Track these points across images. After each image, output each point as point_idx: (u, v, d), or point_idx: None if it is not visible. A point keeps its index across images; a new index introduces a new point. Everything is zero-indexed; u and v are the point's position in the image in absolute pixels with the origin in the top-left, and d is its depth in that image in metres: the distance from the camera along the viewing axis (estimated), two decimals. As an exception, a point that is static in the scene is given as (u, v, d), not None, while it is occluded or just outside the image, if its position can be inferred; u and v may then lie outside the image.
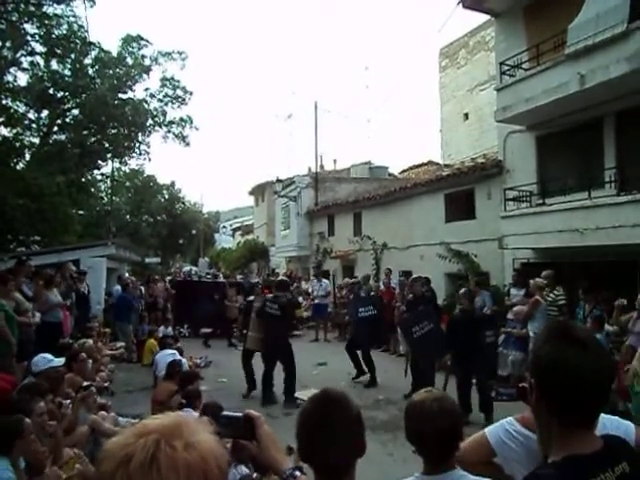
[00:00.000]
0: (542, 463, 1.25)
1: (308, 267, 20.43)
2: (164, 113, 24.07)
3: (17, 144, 14.03)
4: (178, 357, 7.81)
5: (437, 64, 20.90)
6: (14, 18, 16.00)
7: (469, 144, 18.09)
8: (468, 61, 18.98)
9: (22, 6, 15.12)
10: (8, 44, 18.87)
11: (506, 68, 10.25)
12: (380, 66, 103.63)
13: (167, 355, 7.88)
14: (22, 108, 19.06)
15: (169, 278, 17.91)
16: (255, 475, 3.74)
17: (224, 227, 49.68)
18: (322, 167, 24.15)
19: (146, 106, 23.25)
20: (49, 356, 5.23)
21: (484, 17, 13.80)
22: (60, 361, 5.34)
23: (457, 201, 12.65)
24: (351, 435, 1.43)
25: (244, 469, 3.76)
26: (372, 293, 10.87)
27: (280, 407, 7.29)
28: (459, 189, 12.53)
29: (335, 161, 26.80)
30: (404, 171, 24.43)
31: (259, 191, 30.96)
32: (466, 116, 18.99)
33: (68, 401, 4.90)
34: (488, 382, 7.01)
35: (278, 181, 21.33)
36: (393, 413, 7.09)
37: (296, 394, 7.72)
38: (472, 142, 17.98)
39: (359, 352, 9.06)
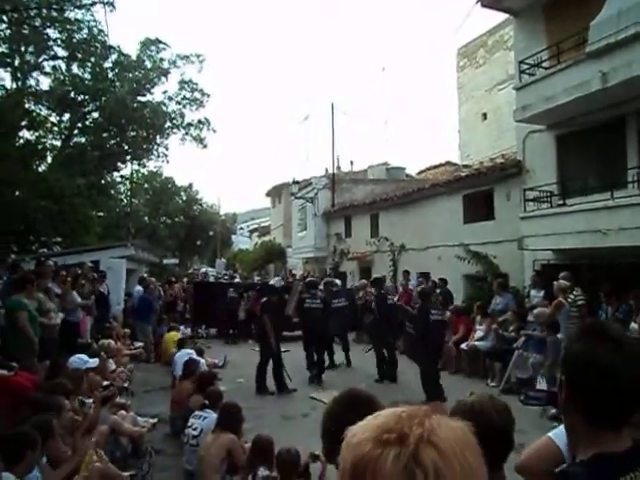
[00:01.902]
0: (571, 462, 1.22)
1: (325, 268, 20.43)
2: (182, 115, 24.33)
3: (39, 147, 14.27)
4: (196, 357, 7.89)
5: (455, 64, 20.75)
6: (37, 23, 16.30)
7: (487, 144, 17.91)
8: (487, 60, 18.80)
9: (45, 11, 15.39)
10: (31, 49, 19.27)
11: (525, 67, 10.12)
12: (397, 67, 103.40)
13: (185, 355, 7.95)
14: (44, 112, 19.44)
15: (186, 279, 18.10)
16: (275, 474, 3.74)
17: (241, 229, 49.93)
18: (339, 168, 24.13)
19: (164, 109, 23.52)
20: (85, 357, 5.32)
21: (503, 16, 13.67)
22: (95, 362, 5.43)
23: (476, 202, 12.52)
24: None
25: (265, 471, 3.76)
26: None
27: (297, 408, 7.29)
28: (478, 190, 12.40)
29: (352, 162, 26.77)
30: (421, 172, 24.29)
31: (276, 193, 31.06)
32: (484, 116, 18.82)
33: (90, 400, 4.96)
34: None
35: (295, 182, 21.37)
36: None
37: (314, 395, 7.75)
38: (490, 142, 17.80)
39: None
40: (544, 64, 9.82)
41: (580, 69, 8.63)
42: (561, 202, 9.49)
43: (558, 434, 1.76)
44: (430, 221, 14.01)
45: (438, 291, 11.26)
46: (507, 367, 8.38)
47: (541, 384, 7.20)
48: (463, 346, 9.66)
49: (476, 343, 9.36)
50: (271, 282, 12.63)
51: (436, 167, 22.71)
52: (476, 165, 14.91)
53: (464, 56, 20.13)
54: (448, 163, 21.94)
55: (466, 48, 19.98)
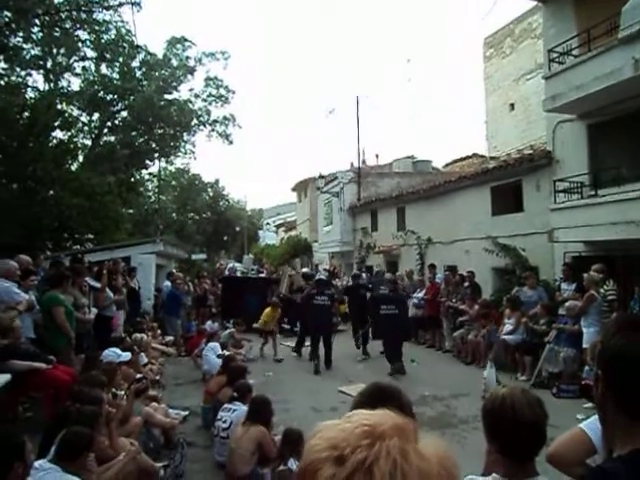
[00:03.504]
0: (608, 457, 1.21)
1: (351, 262, 20.43)
2: (208, 112, 24.58)
3: (71, 146, 14.60)
4: (220, 350, 8.06)
5: (482, 54, 20.43)
6: (68, 25, 16.68)
7: (515, 135, 17.61)
8: (514, 50, 18.45)
9: (75, 14, 15.74)
10: (62, 51, 19.74)
11: (555, 55, 9.89)
12: (422, 58, 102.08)
13: (210, 350, 8.11)
14: (75, 112, 19.89)
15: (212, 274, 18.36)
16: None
17: (267, 224, 50.27)
18: (364, 162, 24.04)
19: (191, 106, 23.79)
20: (118, 350, 5.48)
21: (531, 3, 13.38)
22: (128, 355, 5.58)
23: (504, 194, 12.33)
24: None
25: (296, 463, 3.81)
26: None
27: (325, 402, 7.35)
28: (506, 181, 12.20)
29: (377, 156, 26.63)
30: (448, 164, 24.04)
31: (302, 187, 31.15)
32: (512, 107, 18.49)
33: (122, 392, 5.10)
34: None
35: (321, 177, 21.39)
36: (440, 410, 7.02)
37: (342, 388, 7.81)
38: (519, 133, 17.50)
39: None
40: (574, 52, 9.58)
41: (612, 56, 8.39)
42: (593, 193, 9.27)
43: (590, 425, 1.75)
44: (457, 214, 13.86)
45: (466, 284, 11.19)
46: (538, 361, 8.27)
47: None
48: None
49: (505, 337, 9.26)
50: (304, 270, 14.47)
51: (463, 159, 22.44)
52: (504, 157, 14.68)
53: (491, 46, 19.79)
54: (475, 155, 21.65)
55: (493, 38, 19.65)
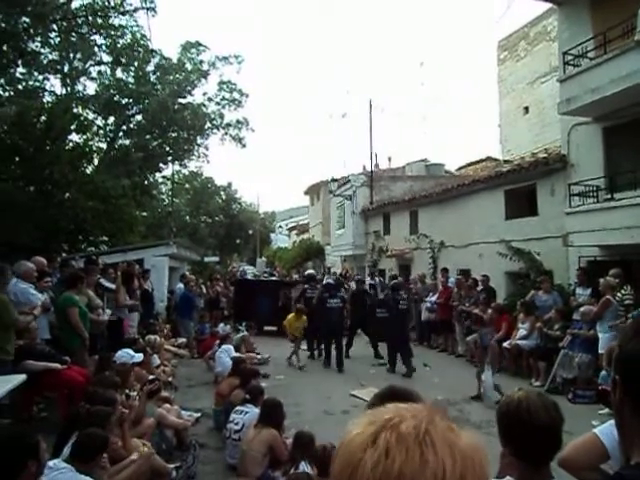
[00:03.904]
0: (625, 464, 1.19)
1: (364, 266, 20.39)
2: (221, 116, 24.73)
3: (87, 149, 14.80)
4: (234, 353, 8.08)
5: (495, 57, 20.32)
6: (84, 30, 16.92)
7: (529, 139, 17.48)
8: (528, 53, 18.33)
9: (91, 19, 15.97)
10: (79, 55, 20.04)
11: (570, 58, 9.81)
12: (435, 61, 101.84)
13: (223, 352, 8.13)
14: (91, 115, 20.15)
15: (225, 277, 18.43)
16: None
17: (280, 227, 50.39)
18: (377, 166, 24.01)
19: (204, 110, 23.97)
20: (131, 352, 5.52)
21: (545, 6, 13.30)
22: (140, 357, 5.62)
23: (518, 197, 12.23)
24: None
25: (307, 467, 3.81)
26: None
27: (337, 405, 7.33)
28: (520, 185, 12.11)
29: (390, 159, 26.61)
30: (461, 168, 23.93)
31: (314, 190, 31.19)
32: (526, 110, 18.36)
33: (134, 393, 5.13)
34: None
35: (333, 180, 21.41)
36: (453, 414, 6.95)
37: (354, 392, 7.80)
38: (533, 136, 17.36)
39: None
40: (589, 54, 9.50)
41: (628, 58, 8.30)
42: (608, 197, 9.17)
43: (604, 431, 1.72)
44: (471, 217, 13.78)
45: (480, 288, 11.11)
46: (552, 366, 8.18)
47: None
48: (505, 344, 9.47)
49: (519, 342, 9.17)
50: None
51: (476, 163, 22.32)
52: (517, 160, 14.57)
53: (505, 49, 19.69)
54: (489, 158, 21.52)
55: (507, 40, 19.54)
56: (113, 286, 8.09)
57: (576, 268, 9.72)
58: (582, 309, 8.03)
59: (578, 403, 7.18)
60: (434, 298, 12.21)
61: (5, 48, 12.23)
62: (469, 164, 23.15)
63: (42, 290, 6.33)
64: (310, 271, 16.12)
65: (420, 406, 0.73)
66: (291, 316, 10.74)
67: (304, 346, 11.18)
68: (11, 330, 5.11)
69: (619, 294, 7.63)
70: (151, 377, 5.84)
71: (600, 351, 7.29)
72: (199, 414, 6.54)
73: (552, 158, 11.12)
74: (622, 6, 8.73)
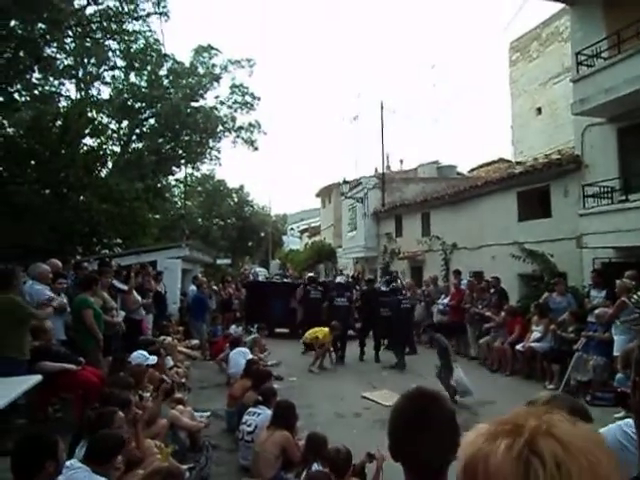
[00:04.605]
0: None
1: (375, 268, 20.36)
2: (233, 119, 24.91)
3: (101, 153, 15.00)
4: (250, 355, 8.09)
5: (507, 58, 20.20)
6: (98, 36, 17.15)
7: (542, 140, 17.34)
8: (540, 54, 18.20)
9: (105, 24, 16.20)
10: (93, 60, 20.30)
11: (583, 58, 9.73)
12: (447, 63, 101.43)
13: (239, 353, 8.16)
14: (105, 119, 20.39)
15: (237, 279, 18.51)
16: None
17: (292, 229, 50.46)
18: (389, 168, 23.98)
19: (216, 113, 24.14)
20: (146, 353, 5.57)
21: (558, 6, 13.21)
22: (154, 359, 5.67)
23: (531, 199, 12.15)
24: (445, 434, 1.36)
25: (319, 468, 3.81)
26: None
27: (349, 408, 7.33)
28: (533, 186, 12.02)
29: (402, 161, 26.57)
30: (473, 170, 23.80)
31: (326, 193, 31.21)
32: (539, 111, 18.22)
33: (147, 394, 5.18)
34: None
35: (345, 182, 21.41)
36: (466, 417, 6.91)
37: (365, 394, 7.80)
38: (545, 138, 17.22)
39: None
40: (603, 54, 9.42)
41: (643, 58, 8.23)
42: (623, 198, 9.07)
43: (609, 432, 1.71)
44: (483, 219, 13.71)
45: (492, 291, 11.04)
46: (566, 369, 8.10)
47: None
48: (519, 347, 9.40)
49: (533, 344, 9.09)
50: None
51: (488, 164, 22.20)
52: (530, 161, 14.48)
53: (517, 50, 19.56)
54: (501, 160, 21.40)
55: (519, 42, 19.42)
56: (126, 287, 8.17)
57: (590, 270, 9.63)
58: (597, 311, 7.94)
59: (596, 406, 7.10)
60: (446, 300, 12.15)
61: (22, 54, 12.45)
62: (481, 166, 23.03)
63: (57, 292, 6.42)
64: (311, 274, 16.86)
65: (532, 408, 0.72)
66: (325, 330, 10.42)
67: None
68: (25, 328, 5.18)
69: (635, 296, 7.54)
70: (163, 377, 5.87)
71: (615, 353, 7.20)
72: (208, 413, 6.53)
73: (565, 159, 11.03)
74: (636, 5, 8.66)
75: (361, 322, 11.99)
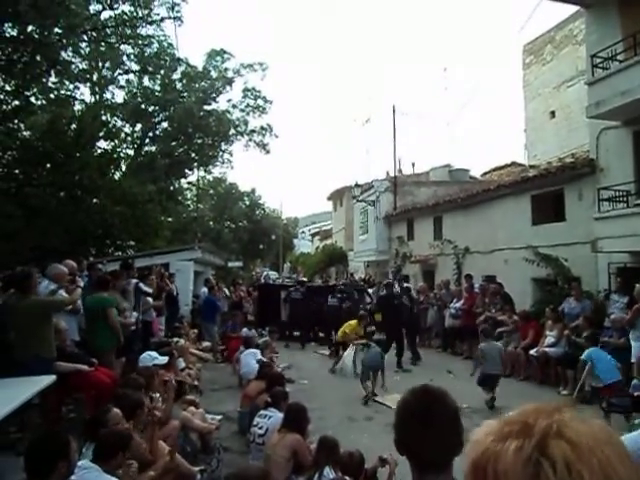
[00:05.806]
0: None
1: (387, 271, 20.29)
2: (246, 122, 25.03)
3: (115, 156, 15.15)
4: (261, 357, 8.10)
5: (521, 61, 20.07)
6: (113, 40, 17.35)
7: (556, 143, 17.17)
8: (554, 57, 18.06)
9: (120, 29, 16.39)
10: (107, 64, 20.54)
11: (598, 61, 9.63)
12: (459, 66, 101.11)
13: (250, 354, 8.17)
14: (119, 123, 20.63)
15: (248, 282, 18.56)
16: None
17: (303, 232, 50.52)
18: (400, 171, 23.89)
19: (229, 116, 24.29)
20: (153, 354, 5.59)
21: (572, 9, 13.11)
22: (164, 359, 5.67)
23: (545, 203, 12.03)
24: (449, 431, 1.40)
25: (331, 472, 3.79)
26: None
27: (361, 411, 7.29)
28: (547, 190, 11.91)
29: (414, 165, 26.42)
30: (486, 173, 23.63)
31: (337, 196, 31.20)
32: (552, 114, 18.07)
33: (157, 394, 5.19)
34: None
35: (356, 186, 21.38)
36: (478, 423, 6.82)
37: (377, 398, 7.77)
38: (559, 141, 17.06)
39: None
40: (619, 57, 9.32)
41: (660, 60, 8.13)
42: (639, 202, 8.95)
43: (630, 440, 1.68)
44: (496, 223, 13.60)
45: (497, 297, 11.02)
46: (580, 375, 7.98)
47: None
48: (532, 352, 9.30)
49: (547, 349, 8.99)
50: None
51: (501, 168, 22.02)
52: (544, 165, 14.34)
53: (530, 53, 19.44)
54: (514, 164, 21.22)
55: (532, 45, 19.29)
56: (150, 290, 8.23)
57: (606, 274, 9.49)
58: (613, 316, 7.84)
59: (613, 412, 6.98)
60: (458, 304, 12.08)
61: (39, 58, 12.61)
62: (494, 169, 22.85)
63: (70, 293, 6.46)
64: (302, 278, 18.41)
65: (539, 406, 0.70)
66: (353, 323, 10.43)
67: (322, 351, 11.56)
68: (52, 326, 5.29)
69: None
70: (165, 378, 5.86)
71: (633, 360, 7.10)
72: (220, 417, 6.54)
73: (580, 163, 10.92)
74: (653, 7, 8.56)
75: (385, 331, 11.06)
